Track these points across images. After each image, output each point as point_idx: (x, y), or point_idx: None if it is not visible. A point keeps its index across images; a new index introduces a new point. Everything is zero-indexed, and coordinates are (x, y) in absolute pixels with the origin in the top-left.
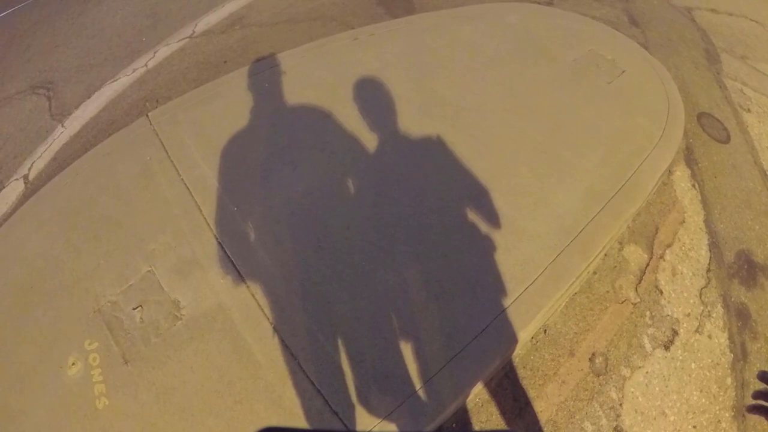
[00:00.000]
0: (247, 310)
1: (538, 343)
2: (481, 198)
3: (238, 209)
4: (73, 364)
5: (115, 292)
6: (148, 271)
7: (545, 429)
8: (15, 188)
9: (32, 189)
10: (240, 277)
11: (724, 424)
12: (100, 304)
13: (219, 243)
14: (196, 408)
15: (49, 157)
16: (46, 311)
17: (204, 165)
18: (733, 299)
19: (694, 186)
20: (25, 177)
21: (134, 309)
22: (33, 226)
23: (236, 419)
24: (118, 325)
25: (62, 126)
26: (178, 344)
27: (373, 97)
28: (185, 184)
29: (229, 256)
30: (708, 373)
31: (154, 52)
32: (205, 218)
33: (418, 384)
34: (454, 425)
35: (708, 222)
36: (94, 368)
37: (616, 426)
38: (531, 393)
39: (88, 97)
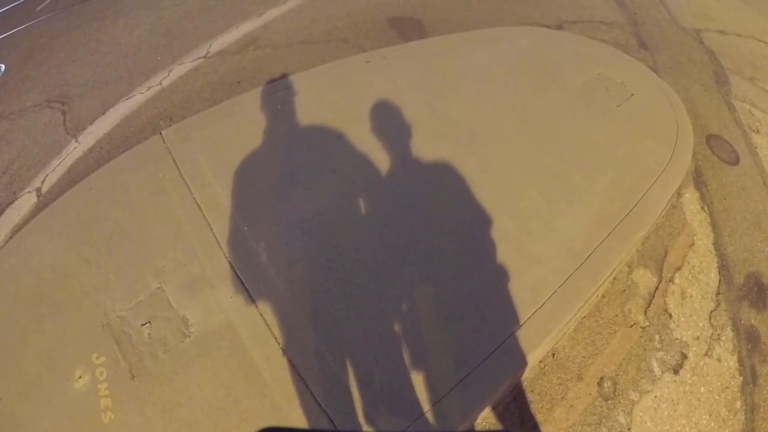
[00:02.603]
0: (255, 329)
1: (546, 367)
2: (490, 221)
3: (248, 228)
4: (80, 377)
5: (124, 307)
6: (158, 287)
7: None
8: (28, 200)
9: (44, 202)
10: (249, 296)
11: None
12: (109, 318)
13: (229, 262)
14: (201, 425)
15: (63, 171)
16: (55, 323)
17: (216, 183)
18: (742, 322)
19: (703, 208)
20: (38, 190)
21: (143, 325)
22: (45, 238)
23: None
24: (126, 340)
25: (76, 141)
26: (185, 361)
27: (384, 119)
28: (197, 202)
29: (238, 275)
30: (717, 397)
31: (169, 71)
32: (215, 236)
33: (425, 407)
34: None
35: (717, 244)
36: (101, 382)
37: None
38: (539, 417)
39: (103, 113)
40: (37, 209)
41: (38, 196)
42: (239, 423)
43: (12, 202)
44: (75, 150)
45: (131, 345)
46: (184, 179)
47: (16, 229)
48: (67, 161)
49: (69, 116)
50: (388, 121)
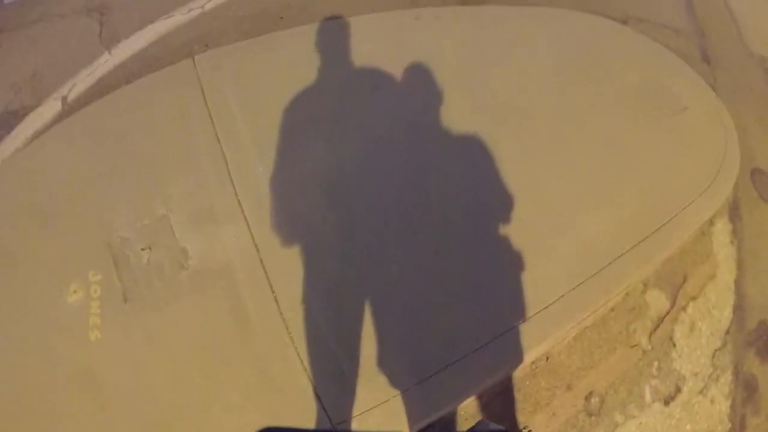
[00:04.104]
0: (253, 275)
1: (538, 369)
2: (510, 206)
3: (263, 170)
4: (75, 291)
5: (128, 229)
6: (164, 214)
7: None
8: (52, 107)
9: (68, 111)
10: (252, 239)
11: None
12: (112, 237)
13: (238, 201)
14: (183, 359)
15: (91, 82)
16: (59, 234)
17: (239, 118)
18: (744, 368)
19: (732, 242)
20: (64, 98)
21: (143, 249)
22: (62, 148)
23: (221, 380)
24: (125, 262)
25: (109, 53)
26: (178, 293)
27: (422, 81)
28: (216, 133)
29: (245, 217)
30: None
31: None
32: (229, 172)
33: (408, 384)
34: None
35: (739, 283)
36: (94, 300)
37: None
38: (519, 418)
39: (140, 29)
40: (60, 117)
41: (63, 104)
42: (221, 366)
43: (37, 107)
44: (107, 62)
45: (128, 268)
46: (208, 108)
47: (37, 135)
48: (97, 73)
49: (106, 27)
50: (425, 84)
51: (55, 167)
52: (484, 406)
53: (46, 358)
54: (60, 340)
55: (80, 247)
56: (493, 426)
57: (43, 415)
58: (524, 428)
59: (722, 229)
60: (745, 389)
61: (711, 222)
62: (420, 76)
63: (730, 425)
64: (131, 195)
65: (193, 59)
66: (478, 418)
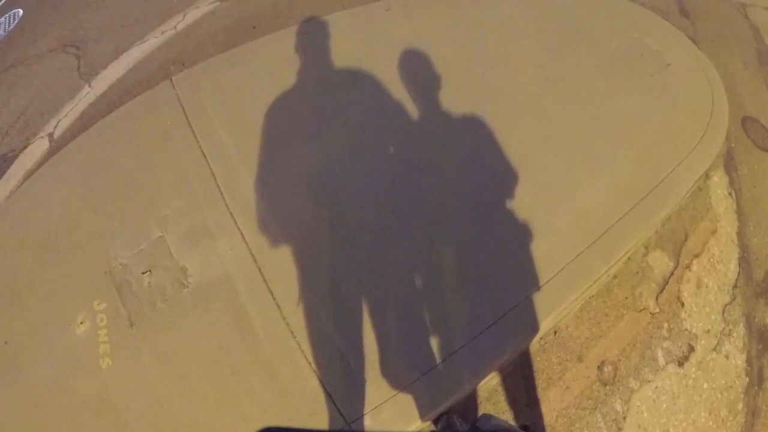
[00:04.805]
0: (252, 284)
1: (547, 345)
2: (503, 186)
3: (252, 180)
4: (81, 322)
5: (127, 255)
6: (160, 236)
7: None
8: (40, 146)
9: (56, 147)
10: (248, 249)
11: None
12: (112, 265)
13: (230, 213)
14: (194, 375)
15: (75, 116)
16: (60, 268)
17: (222, 132)
18: (757, 320)
19: (730, 194)
20: (51, 135)
21: (143, 273)
22: (53, 184)
23: (231, 390)
24: (127, 288)
25: (89, 86)
26: (182, 311)
27: (401, 72)
28: (202, 151)
29: (239, 228)
30: (720, 396)
31: (184, 15)
32: (219, 187)
33: (414, 375)
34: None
35: (741, 234)
36: (101, 328)
37: None
38: (532, 396)
39: (116, 58)
40: (49, 154)
41: (50, 141)
42: (230, 376)
43: (25, 148)
44: (88, 95)
45: (131, 293)
46: (191, 127)
47: (29, 174)
48: (79, 106)
49: (83, 61)
50: (405, 75)
51: (48, 204)
52: (495, 387)
53: (60, 390)
54: (73, 370)
55: (82, 279)
56: (495, 420)
57: None
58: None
59: (719, 181)
60: (760, 341)
61: (707, 176)
62: (399, 67)
63: (747, 379)
64: (126, 221)
65: (171, 80)
66: (490, 402)
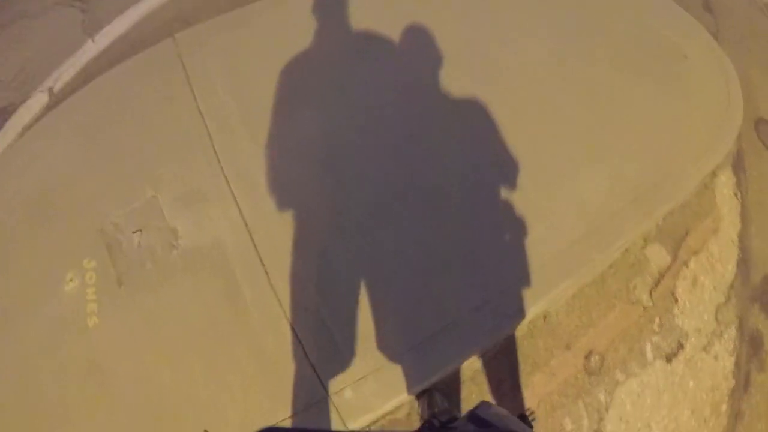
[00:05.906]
0: (243, 251)
1: (535, 330)
2: (501, 167)
3: (249, 145)
4: (71, 280)
5: (119, 214)
6: (153, 196)
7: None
8: (39, 100)
9: (56, 102)
10: (241, 216)
11: None
12: (104, 224)
13: (225, 177)
14: (179, 340)
15: (76, 71)
16: (53, 225)
17: (222, 94)
18: (749, 324)
19: (736, 195)
20: (50, 90)
21: (134, 233)
22: (50, 140)
23: (215, 358)
24: (117, 247)
25: (92, 41)
26: (170, 273)
27: (408, 44)
28: (200, 112)
29: (233, 193)
30: (704, 396)
31: None
32: (215, 150)
33: (401, 350)
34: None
35: (742, 236)
36: (90, 287)
37: (597, 429)
38: (516, 379)
39: (121, 13)
40: (48, 109)
41: (50, 95)
42: (215, 344)
43: (24, 101)
44: (91, 50)
45: (121, 252)
46: (191, 86)
47: (27, 128)
48: (81, 61)
49: (88, 15)
50: (412, 47)
51: (44, 159)
52: (480, 369)
53: (48, 347)
54: (61, 328)
55: (74, 236)
56: (495, 408)
57: (50, 403)
58: (528, 412)
59: (726, 181)
60: (750, 345)
61: (714, 174)
62: (407, 38)
63: (734, 382)
64: (120, 179)
65: (174, 38)
66: (474, 383)
